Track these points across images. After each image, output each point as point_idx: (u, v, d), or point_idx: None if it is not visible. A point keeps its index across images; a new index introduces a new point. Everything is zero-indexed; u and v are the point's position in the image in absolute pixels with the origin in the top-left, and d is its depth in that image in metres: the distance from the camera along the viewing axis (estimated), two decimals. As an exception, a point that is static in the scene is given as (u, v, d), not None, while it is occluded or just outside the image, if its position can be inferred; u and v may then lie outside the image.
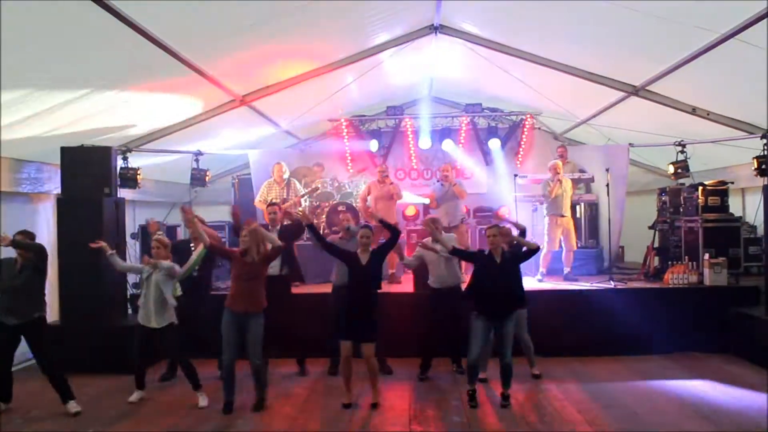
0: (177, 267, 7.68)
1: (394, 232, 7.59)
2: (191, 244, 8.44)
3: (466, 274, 8.68)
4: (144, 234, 10.45)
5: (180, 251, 8.22)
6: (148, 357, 7.96)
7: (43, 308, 7.34)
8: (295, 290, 9.25)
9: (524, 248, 7.62)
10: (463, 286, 7.98)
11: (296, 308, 8.78)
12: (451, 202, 10.69)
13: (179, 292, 8.02)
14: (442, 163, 12.97)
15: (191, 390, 7.59)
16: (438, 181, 11.14)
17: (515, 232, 8.01)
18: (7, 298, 7.09)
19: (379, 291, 7.46)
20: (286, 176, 11.11)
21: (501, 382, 7.38)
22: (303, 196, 11.15)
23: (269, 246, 7.29)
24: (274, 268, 8.19)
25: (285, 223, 8.69)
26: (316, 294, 9.74)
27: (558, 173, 10.93)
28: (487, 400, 7.56)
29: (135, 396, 7.70)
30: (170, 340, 7.59)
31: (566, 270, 10.97)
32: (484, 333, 7.25)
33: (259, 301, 7.16)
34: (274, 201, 9.74)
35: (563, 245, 10.99)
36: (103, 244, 7.67)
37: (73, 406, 7.23)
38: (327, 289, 8.96)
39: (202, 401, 7.49)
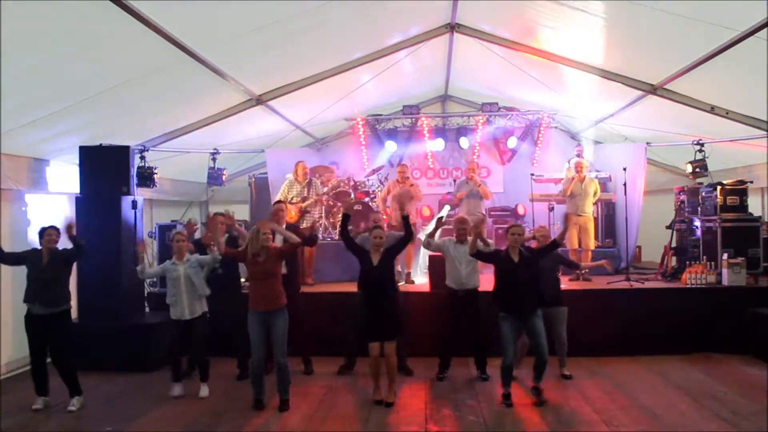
0: (204, 257, 7.90)
1: (408, 232, 7.63)
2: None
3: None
4: (161, 233, 10.50)
5: (200, 250, 8.33)
6: (185, 350, 8.05)
7: (69, 300, 7.48)
8: (305, 289, 9.28)
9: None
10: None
11: (302, 307, 8.70)
12: (474, 200, 10.69)
13: (208, 292, 8.04)
14: (458, 163, 13.01)
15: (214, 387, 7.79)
16: (463, 178, 11.08)
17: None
18: (36, 288, 7.20)
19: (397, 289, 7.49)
20: (308, 176, 11.13)
21: (533, 375, 7.41)
22: (323, 195, 11.14)
23: (274, 243, 7.38)
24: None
25: (301, 227, 8.59)
26: (325, 293, 9.80)
27: (579, 172, 10.91)
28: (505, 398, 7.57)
29: (178, 390, 7.84)
30: (200, 331, 7.78)
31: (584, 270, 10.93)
32: (513, 333, 7.28)
33: (279, 298, 7.20)
34: (279, 200, 9.72)
35: (580, 244, 10.95)
36: (144, 251, 7.82)
37: (75, 403, 7.33)
38: (337, 288, 8.97)
39: (203, 392, 7.78)
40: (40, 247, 7.33)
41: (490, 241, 8.77)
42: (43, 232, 7.32)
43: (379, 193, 12.13)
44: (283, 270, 8.05)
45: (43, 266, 7.20)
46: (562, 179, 11.40)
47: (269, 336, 7.16)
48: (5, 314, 8.48)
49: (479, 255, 7.61)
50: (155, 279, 10.49)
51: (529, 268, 7.28)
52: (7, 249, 7.41)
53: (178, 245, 7.83)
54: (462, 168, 13.80)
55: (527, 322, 7.21)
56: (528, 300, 7.20)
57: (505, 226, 12.50)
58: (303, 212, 10.75)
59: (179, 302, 7.72)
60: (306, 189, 10.91)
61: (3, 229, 8.54)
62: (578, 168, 10.97)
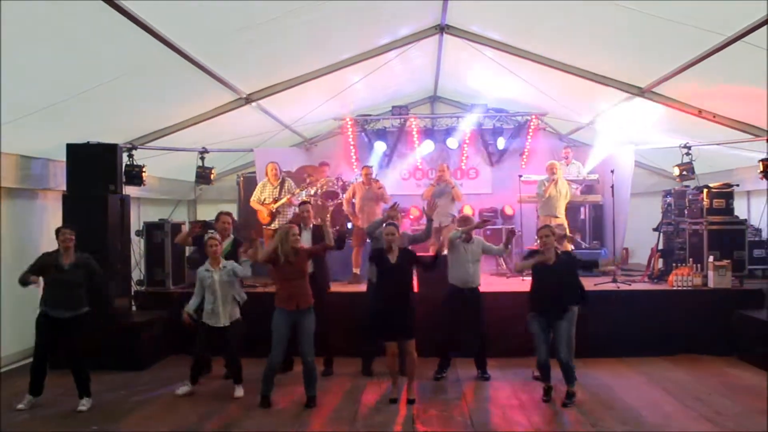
0: (238, 267, 7.85)
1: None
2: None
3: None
4: (149, 231, 10.47)
5: (202, 247, 8.32)
6: (211, 353, 8.05)
7: (88, 304, 7.44)
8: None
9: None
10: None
11: (325, 308, 8.53)
12: (445, 202, 10.67)
13: (245, 297, 8.07)
14: (446, 164, 12.99)
15: (201, 387, 7.81)
16: (433, 180, 11.07)
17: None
18: (56, 292, 7.19)
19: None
20: (279, 176, 11.10)
21: (565, 380, 7.38)
22: (294, 195, 11.09)
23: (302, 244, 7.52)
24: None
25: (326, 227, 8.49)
26: (346, 293, 9.81)
27: (554, 173, 10.93)
28: (488, 398, 7.64)
29: (184, 389, 7.84)
30: (234, 336, 7.73)
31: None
32: (545, 333, 7.33)
33: (308, 297, 7.29)
34: (305, 200, 9.74)
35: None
36: (188, 319, 7.77)
37: (85, 403, 7.29)
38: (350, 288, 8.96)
39: (239, 392, 7.73)
40: (52, 250, 7.33)
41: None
42: (58, 233, 7.33)
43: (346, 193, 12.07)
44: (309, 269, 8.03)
45: (64, 269, 7.19)
46: (537, 182, 11.39)
47: (296, 335, 7.24)
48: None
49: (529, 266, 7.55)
50: (142, 277, 10.47)
51: (564, 271, 7.32)
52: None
53: (213, 249, 7.71)
54: (451, 169, 13.80)
55: (553, 323, 7.26)
56: (556, 302, 7.24)
57: (494, 227, 12.70)
58: (274, 213, 10.76)
59: (215, 311, 7.65)
60: (278, 190, 10.90)
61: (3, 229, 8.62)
62: (553, 169, 10.98)
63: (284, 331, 7.20)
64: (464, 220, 8.74)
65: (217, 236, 8.00)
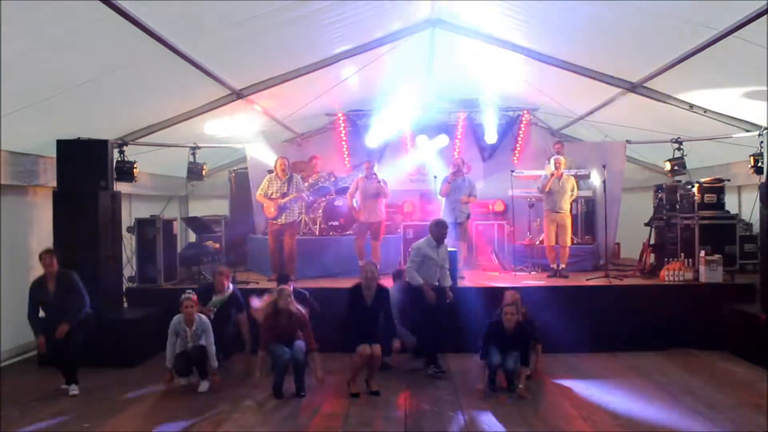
0: (209, 338, 7.95)
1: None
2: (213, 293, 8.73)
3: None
4: (140, 228, 10.43)
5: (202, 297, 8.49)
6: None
7: (87, 304, 7.77)
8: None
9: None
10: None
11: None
12: (460, 196, 10.66)
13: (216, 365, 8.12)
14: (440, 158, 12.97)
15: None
16: (452, 175, 10.97)
17: None
18: (51, 319, 7.59)
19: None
20: (288, 171, 11.08)
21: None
22: (302, 191, 11.11)
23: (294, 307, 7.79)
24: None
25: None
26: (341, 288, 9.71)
27: (558, 168, 10.93)
28: (485, 391, 7.62)
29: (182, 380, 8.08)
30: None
31: (561, 266, 10.99)
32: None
33: (297, 335, 7.72)
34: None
35: (557, 241, 11.01)
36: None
37: (75, 388, 7.62)
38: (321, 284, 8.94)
39: (203, 387, 7.84)
40: (39, 277, 7.72)
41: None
42: (40, 258, 7.66)
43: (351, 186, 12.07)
44: None
45: (51, 300, 7.60)
46: (540, 176, 11.40)
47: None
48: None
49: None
50: (133, 274, 10.45)
51: (520, 341, 7.67)
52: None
53: (188, 312, 7.89)
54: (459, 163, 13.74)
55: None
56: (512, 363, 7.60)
57: (485, 222, 12.70)
58: (282, 208, 10.72)
59: (184, 357, 7.90)
60: (286, 185, 10.85)
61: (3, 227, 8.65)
62: (557, 164, 11.01)
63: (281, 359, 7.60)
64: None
65: (193, 296, 8.04)
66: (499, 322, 7.72)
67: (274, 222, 10.77)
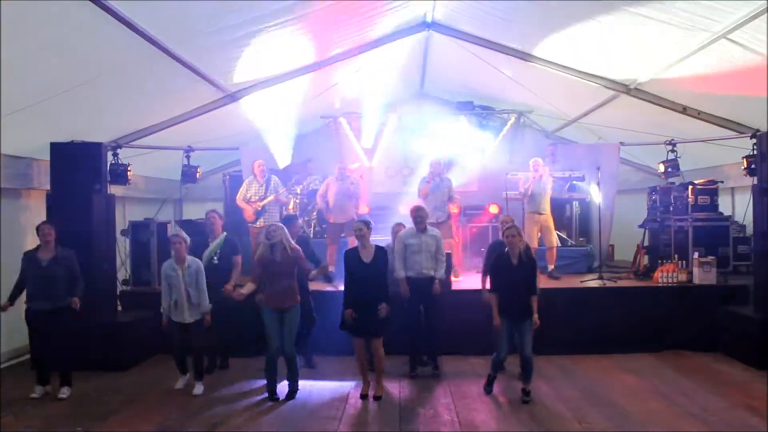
0: (202, 275, 7.90)
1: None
2: (209, 239, 8.78)
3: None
4: (134, 231, 10.42)
5: (197, 244, 8.56)
6: (188, 348, 8.01)
7: (76, 293, 7.68)
8: None
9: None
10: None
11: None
12: (441, 198, 10.65)
13: (209, 308, 8.10)
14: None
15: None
16: (430, 175, 10.98)
17: None
18: (36, 285, 7.48)
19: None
20: (266, 174, 11.09)
21: (522, 378, 7.47)
22: (280, 193, 11.10)
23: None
24: None
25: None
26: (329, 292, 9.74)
27: (537, 170, 10.95)
28: (480, 393, 7.66)
29: (180, 383, 8.01)
30: (197, 333, 7.86)
31: (550, 267, 10.99)
32: (509, 333, 7.36)
33: (294, 296, 7.50)
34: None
35: (543, 243, 11.02)
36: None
37: (65, 391, 7.60)
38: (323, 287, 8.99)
39: (198, 389, 7.81)
40: (34, 247, 7.66)
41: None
42: (38, 229, 7.63)
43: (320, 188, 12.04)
44: None
45: (42, 264, 7.47)
46: (521, 179, 11.39)
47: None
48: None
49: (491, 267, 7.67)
50: (127, 277, 10.43)
51: (527, 272, 7.31)
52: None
53: (177, 248, 7.80)
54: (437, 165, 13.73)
55: (519, 323, 7.28)
56: (524, 302, 7.24)
57: (480, 225, 12.72)
58: (260, 211, 10.74)
59: (179, 307, 7.78)
60: (264, 188, 10.88)
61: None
62: (535, 166, 11.02)
63: (273, 328, 7.44)
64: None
65: (183, 235, 8.05)
66: (502, 253, 7.47)
67: (253, 225, 10.81)
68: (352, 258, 7.51)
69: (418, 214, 8.34)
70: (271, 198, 10.81)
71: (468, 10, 9.39)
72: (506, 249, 7.40)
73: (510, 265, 7.29)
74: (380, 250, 7.56)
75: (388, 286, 7.61)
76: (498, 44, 9.99)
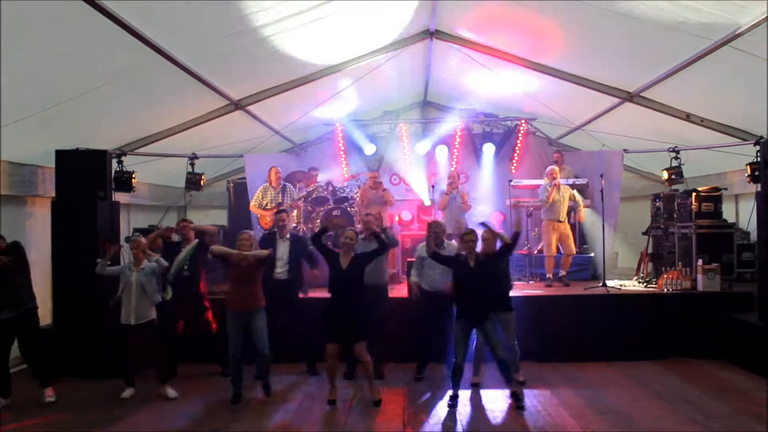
0: (163, 261, 8.00)
1: (382, 246, 7.77)
2: (182, 247, 8.70)
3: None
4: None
5: (172, 253, 8.52)
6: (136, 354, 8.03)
7: (35, 299, 7.67)
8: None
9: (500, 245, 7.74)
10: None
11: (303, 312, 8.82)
12: (458, 209, 10.69)
13: (170, 295, 8.31)
14: (436, 169, 13.00)
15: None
16: (448, 187, 11.02)
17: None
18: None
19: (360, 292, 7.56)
20: (282, 181, 11.13)
21: (503, 379, 7.48)
22: (298, 200, 11.17)
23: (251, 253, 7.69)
24: (282, 272, 8.58)
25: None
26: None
27: (555, 178, 10.97)
28: (483, 405, 7.61)
29: (127, 393, 7.96)
30: (146, 337, 7.83)
31: (562, 273, 11.01)
32: (464, 335, 7.41)
33: (258, 300, 7.61)
34: (282, 208, 9.83)
35: (561, 250, 11.03)
36: (111, 251, 8.04)
37: (48, 395, 7.69)
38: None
39: (171, 393, 7.94)
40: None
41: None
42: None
43: (357, 198, 12.12)
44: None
45: None
46: (540, 186, 11.41)
47: (247, 335, 7.62)
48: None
49: (435, 256, 7.76)
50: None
51: (487, 272, 7.43)
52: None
53: (134, 252, 7.91)
54: (438, 174, 13.75)
55: (479, 325, 7.37)
56: (480, 303, 7.35)
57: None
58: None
59: (127, 306, 7.79)
60: (280, 195, 10.91)
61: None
62: (553, 175, 11.04)
63: (235, 331, 7.58)
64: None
65: (141, 238, 8.09)
66: (459, 256, 7.64)
67: (271, 232, 10.76)
68: (332, 262, 7.62)
69: (432, 230, 8.23)
70: (287, 205, 10.80)
71: (471, 18, 9.42)
72: (464, 253, 7.56)
73: (467, 267, 7.46)
74: (358, 257, 7.64)
75: (363, 292, 7.62)
76: (501, 52, 10.03)
